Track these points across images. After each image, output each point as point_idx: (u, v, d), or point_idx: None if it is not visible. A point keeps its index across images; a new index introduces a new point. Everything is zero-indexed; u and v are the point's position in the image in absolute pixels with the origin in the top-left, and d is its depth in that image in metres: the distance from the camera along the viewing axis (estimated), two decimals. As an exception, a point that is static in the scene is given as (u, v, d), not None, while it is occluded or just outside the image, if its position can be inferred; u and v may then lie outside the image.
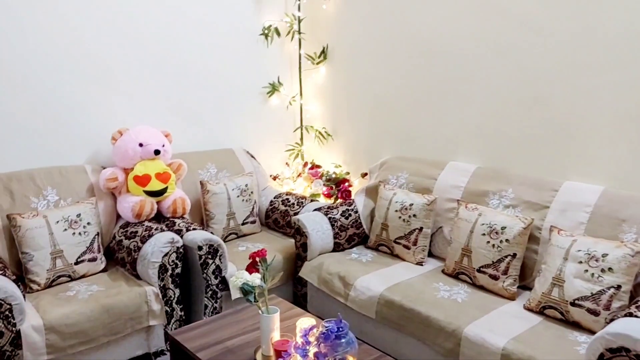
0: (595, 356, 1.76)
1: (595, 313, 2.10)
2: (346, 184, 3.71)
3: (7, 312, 2.15)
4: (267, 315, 1.75)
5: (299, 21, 3.87)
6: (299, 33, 3.90)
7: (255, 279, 1.72)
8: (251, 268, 1.78)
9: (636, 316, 1.82)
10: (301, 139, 4.12)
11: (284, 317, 2.08)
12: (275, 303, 2.27)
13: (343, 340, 1.66)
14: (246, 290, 1.70)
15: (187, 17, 3.43)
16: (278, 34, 3.85)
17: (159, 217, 3.07)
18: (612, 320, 1.98)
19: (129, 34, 3.20)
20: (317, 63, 3.93)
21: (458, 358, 2.18)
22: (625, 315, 1.87)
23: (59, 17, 2.92)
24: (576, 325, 2.17)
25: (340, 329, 1.65)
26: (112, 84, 3.18)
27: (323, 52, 3.90)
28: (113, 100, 3.20)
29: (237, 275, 1.72)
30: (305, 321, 1.75)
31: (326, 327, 1.65)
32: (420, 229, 2.91)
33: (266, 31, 3.80)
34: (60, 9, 2.92)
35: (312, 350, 1.66)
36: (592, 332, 2.07)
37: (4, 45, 2.76)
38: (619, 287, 2.09)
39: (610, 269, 2.11)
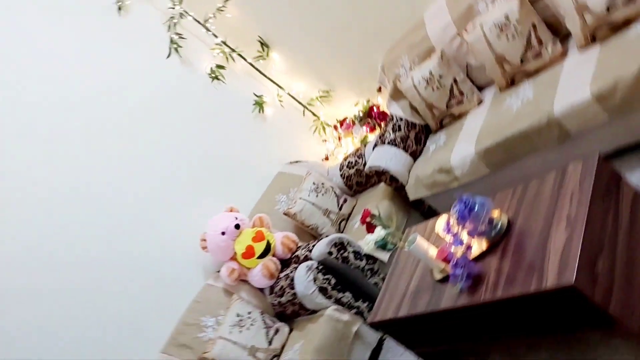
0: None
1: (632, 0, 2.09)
2: (374, 108, 3.81)
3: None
4: (413, 245, 1.90)
5: (225, 44, 4.00)
6: (234, 51, 4.03)
7: (378, 233, 1.89)
8: (370, 229, 1.95)
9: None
10: (313, 114, 4.25)
11: (428, 235, 2.22)
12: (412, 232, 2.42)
13: (476, 206, 1.79)
14: (383, 245, 1.88)
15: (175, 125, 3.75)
16: (222, 67, 4.00)
17: (285, 263, 3.32)
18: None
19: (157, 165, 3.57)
20: (267, 55, 4.05)
21: (570, 135, 2.25)
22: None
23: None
24: (630, 23, 2.16)
25: (467, 202, 1.78)
26: (170, 213, 3.50)
27: (261, 44, 4.02)
28: (180, 224, 3.49)
29: (365, 243, 1.89)
30: (439, 222, 1.90)
31: (455, 210, 1.79)
32: (454, 80, 2.97)
33: (213, 74, 3.96)
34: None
35: (464, 235, 1.81)
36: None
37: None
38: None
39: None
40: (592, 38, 2.29)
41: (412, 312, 1.94)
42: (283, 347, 3.01)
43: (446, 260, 1.87)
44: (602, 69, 2.12)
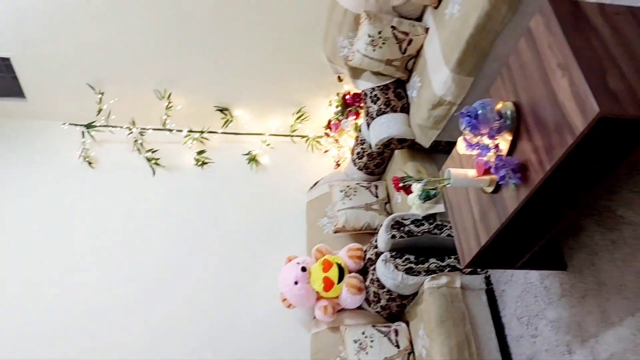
0: None
1: None
2: (346, 96, 3.87)
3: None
4: (451, 179, 1.92)
5: (192, 131, 4.12)
6: (202, 132, 4.15)
7: (416, 189, 1.91)
8: (407, 191, 1.98)
9: None
10: (302, 137, 4.32)
11: (458, 164, 2.24)
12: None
13: (479, 111, 1.80)
14: (426, 196, 1.90)
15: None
16: (203, 152, 4.11)
17: (364, 272, 3.34)
18: None
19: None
20: (231, 116, 4.17)
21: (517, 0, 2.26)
22: None
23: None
24: None
25: (468, 112, 1.80)
26: (245, 298, 3.60)
27: (221, 110, 4.13)
28: (258, 301, 3.58)
29: (411, 204, 1.92)
30: (459, 145, 1.92)
31: (464, 124, 1.80)
32: (392, 27, 3.03)
33: (199, 162, 4.08)
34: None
35: (485, 140, 1.83)
36: None
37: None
38: None
39: None
40: None
41: (490, 234, 1.95)
42: (411, 341, 3.01)
43: (488, 171, 1.88)
44: None
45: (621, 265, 1.89)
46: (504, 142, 1.82)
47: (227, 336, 3.43)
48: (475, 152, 1.86)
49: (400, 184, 2.02)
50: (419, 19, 3.12)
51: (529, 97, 1.74)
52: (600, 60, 1.51)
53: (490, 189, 1.93)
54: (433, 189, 1.91)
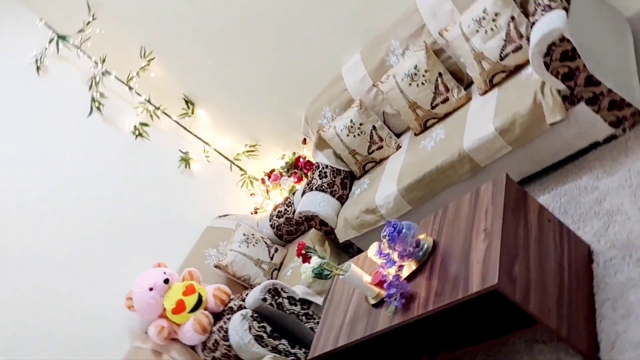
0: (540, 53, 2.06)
1: (519, 48, 2.41)
2: (300, 159, 3.95)
3: None
4: (349, 272, 1.97)
5: (149, 102, 4.03)
6: (157, 109, 4.06)
7: (314, 262, 1.94)
8: (305, 260, 2.01)
9: (535, 21, 2.13)
10: (240, 169, 4.32)
11: (361, 266, 2.30)
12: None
13: (404, 229, 1.90)
14: (319, 273, 1.93)
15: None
16: (146, 125, 4.00)
17: (217, 317, 3.24)
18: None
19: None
20: (192, 112, 4.13)
21: (480, 167, 2.47)
22: (534, 24, 2.17)
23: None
24: (521, 68, 2.48)
25: (395, 225, 1.90)
26: (93, 274, 3.36)
27: (186, 102, 4.10)
28: (104, 284, 3.34)
29: (302, 271, 1.94)
30: (371, 248, 2.00)
31: (385, 234, 1.89)
32: (373, 127, 3.18)
33: (137, 131, 3.95)
34: None
35: (394, 255, 1.91)
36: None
37: None
38: (513, 18, 2.40)
39: (496, 14, 2.42)
40: (491, 83, 2.58)
41: (350, 340, 1.97)
42: (219, 405, 2.89)
43: (380, 283, 1.95)
44: (501, 107, 2.39)
45: None
46: (408, 267, 1.91)
47: (52, 312, 3.14)
48: (381, 261, 1.93)
49: (304, 251, 2.04)
50: (398, 135, 3.31)
51: (448, 242, 1.86)
52: (517, 246, 1.65)
53: (373, 301, 1.98)
54: (328, 271, 1.95)
